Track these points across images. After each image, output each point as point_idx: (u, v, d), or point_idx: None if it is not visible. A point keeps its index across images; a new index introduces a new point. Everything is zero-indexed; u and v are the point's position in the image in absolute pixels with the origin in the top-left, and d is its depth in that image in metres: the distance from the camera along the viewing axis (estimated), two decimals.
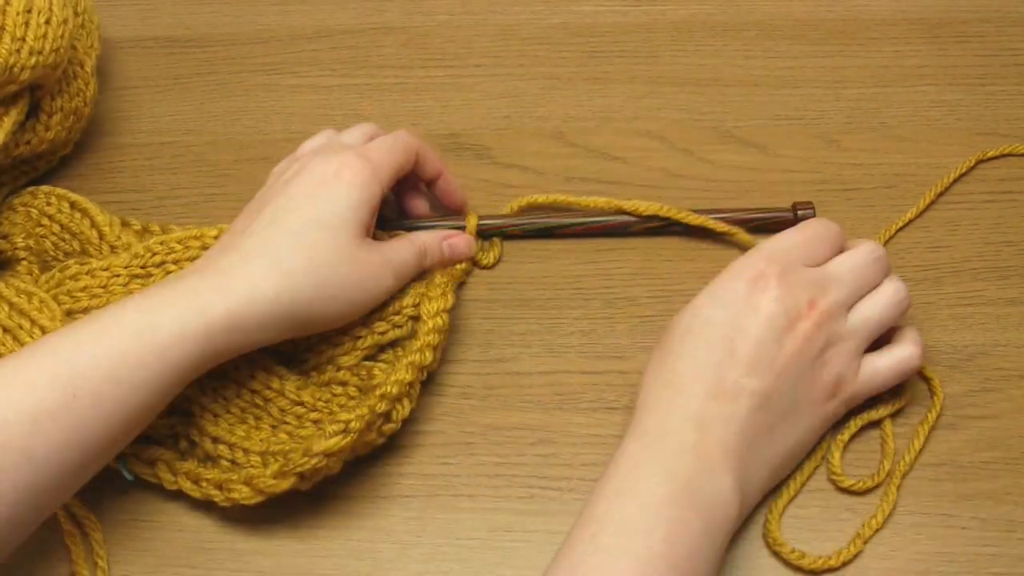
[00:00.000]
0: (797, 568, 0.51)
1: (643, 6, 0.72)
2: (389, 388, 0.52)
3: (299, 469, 0.50)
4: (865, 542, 0.51)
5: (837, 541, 0.51)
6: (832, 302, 0.51)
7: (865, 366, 0.53)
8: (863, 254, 0.53)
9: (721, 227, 0.60)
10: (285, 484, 0.50)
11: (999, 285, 0.59)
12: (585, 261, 0.61)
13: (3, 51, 0.56)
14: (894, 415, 0.54)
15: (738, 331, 0.50)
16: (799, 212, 0.60)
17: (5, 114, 0.58)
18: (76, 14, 0.65)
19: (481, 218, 0.61)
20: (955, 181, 0.63)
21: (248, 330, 0.50)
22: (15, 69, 0.57)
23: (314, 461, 0.50)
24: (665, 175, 0.64)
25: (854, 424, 0.54)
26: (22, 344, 0.53)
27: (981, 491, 0.53)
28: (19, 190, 0.63)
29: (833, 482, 0.53)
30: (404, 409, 0.53)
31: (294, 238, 0.51)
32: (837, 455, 0.53)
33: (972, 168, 0.63)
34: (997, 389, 0.55)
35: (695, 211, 0.60)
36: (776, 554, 0.51)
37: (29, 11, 0.58)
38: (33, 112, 0.62)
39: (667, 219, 0.60)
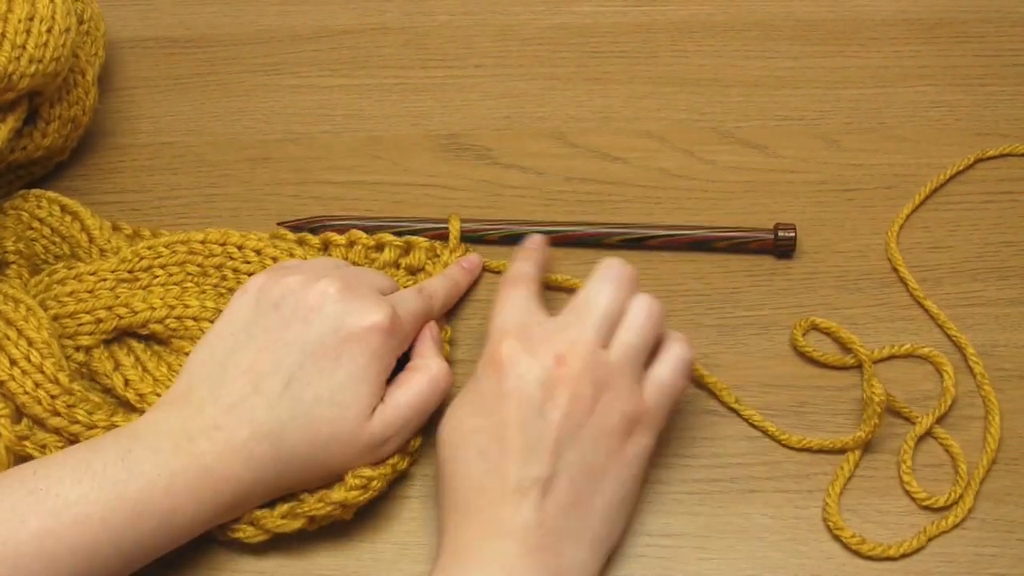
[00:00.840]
0: (856, 553, 0.51)
1: (643, 6, 0.72)
2: (413, 443, 0.52)
3: (311, 513, 0.50)
4: (930, 539, 0.51)
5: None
6: (582, 348, 0.48)
7: (648, 387, 0.50)
8: (598, 280, 0.51)
9: None
10: (295, 525, 0.51)
11: (999, 285, 0.59)
12: (586, 262, 0.61)
13: (3, 59, 0.56)
14: (940, 419, 0.55)
15: (502, 425, 0.47)
16: (780, 233, 0.60)
17: (2, 121, 0.58)
18: (81, 22, 0.65)
19: (463, 221, 0.61)
20: (952, 178, 0.63)
21: (249, 505, 0.50)
22: (14, 77, 0.57)
23: (328, 509, 0.50)
24: (665, 175, 0.64)
25: (911, 439, 0.54)
26: (9, 355, 0.53)
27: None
28: (12, 194, 0.62)
29: (912, 497, 0.52)
30: (417, 439, 0.53)
31: (302, 417, 0.48)
32: (910, 477, 0.53)
33: (971, 166, 0.63)
34: (997, 389, 0.55)
35: (684, 226, 0.61)
36: (837, 538, 0.51)
37: (31, 19, 0.58)
38: (31, 119, 0.61)
39: (645, 235, 0.60)
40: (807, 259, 0.60)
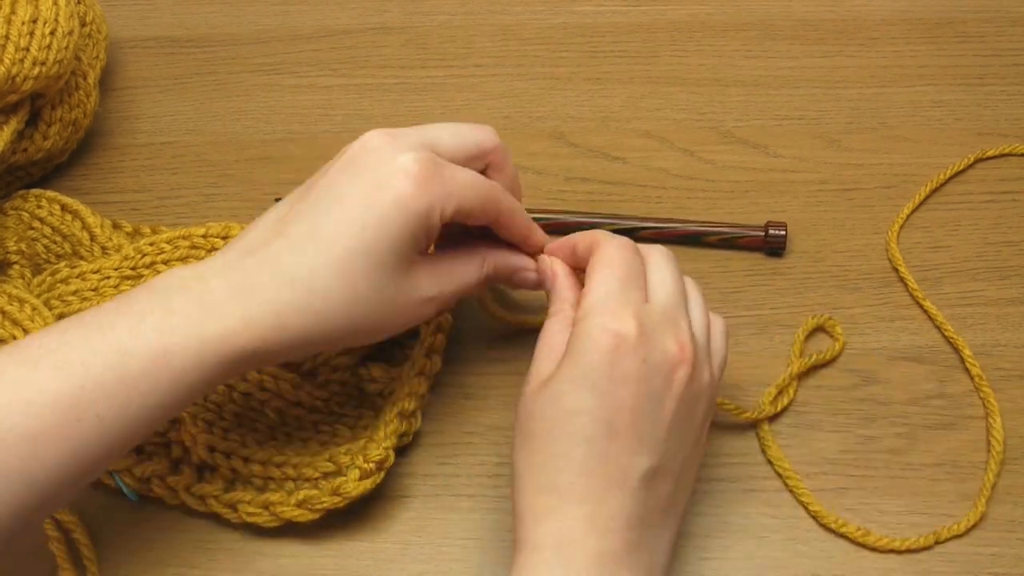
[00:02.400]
0: (862, 545, 0.51)
1: (643, 6, 0.72)
2: (406, 404, 0.52)
3: (328, 506, 0.50)
4: (938, 542, 0.51)
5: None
6: (688, 330, 0.46)
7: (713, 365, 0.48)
8: (668, 261, 0.48)
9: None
10: (310, 516, 0.51)
11: (999, 285, 0.59)
12: None
13: (6, 61, 0.56)
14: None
15: (614, 411, 0.43)
16: (771, 231, 0.60)
17: (5, 123, 0.58)
18: (83, 25, 0.65)
19: None
20: (951, 178, 0.63)
21: (267, 359, 0.46)
22: (18, 79, 0.57)
23: (344, 503, 0.50)
24: (665, 175, 0.64)
25: None
26: None
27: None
28: (12, 195, 0.63)
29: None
30: (418, 421, 0.54)
31: (333, 267, 0.45)
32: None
33: (971, 166, 0.63)
34: (997, 389, 0.55)
35: (676, 219, 0.61)
36: (842, 535, 0.51)
37: (35, 21, 0.58)
38: (32, 121, 0.61)
39: (636, 227, 0.60)
40: (807, 259, 0.60)
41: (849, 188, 0.63)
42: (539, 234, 0.52)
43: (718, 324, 0.49)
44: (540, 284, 0.51)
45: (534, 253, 0.52)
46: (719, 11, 0.72)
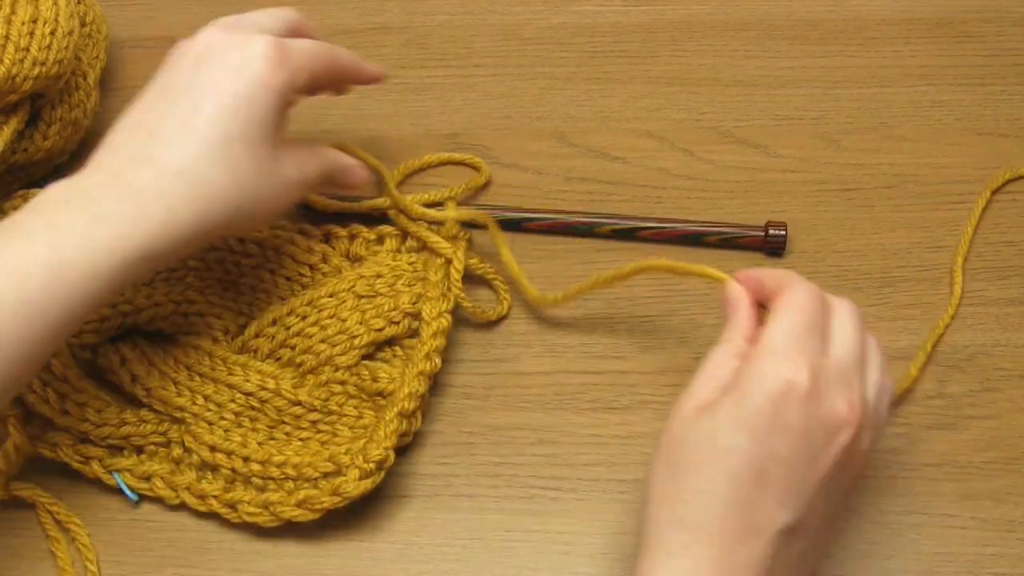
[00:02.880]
0: None
1: (643, 6, 0.72)
2: (406, 404, 0.52)
3: (328, 506, 0.50)
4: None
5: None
6: (863, 392, 0.44)
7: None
8: (853, 317, 0.46)
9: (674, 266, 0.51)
10: (310, 516, 0.51)
11: (999, 285, 0.59)
12: (585, 261, 0.61)
13: (6, 61, 0.56)
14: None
15: (768, 459, 0.42)
16: (771, 231, 0.60)
17: (5, 123, 0.58)
18: (83, 24, 0.65)
19: (458, 204, 0.61)
20: (994, 193, 0.62)
21: (162, 258, 0.47)
22: (17, 79, 0.57)
23: (344, 503, 0.50)
24: (665, 175, 0.64)
25: None
26: None
27: (981, 491, 0.53)
28: (12, 195, 0.62)
29: None
30: (418, 421, 0.54)
31: (215, 154, 0.47)
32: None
33: (1003, 186, 0.63)
34: (997, 389, 0.55)
35: (676, 219, 0.61)
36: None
37: (35, 21, 0.58)
38: (32, 121, 0.61)
39: (636, 226, 0.60)
40: (806, 259, 0.60)
41: (849, 188, 0.63)
42: (371, 66, 0.56)
43: (887, 391, 0.47)
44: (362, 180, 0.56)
45: (372, 78, 0.57)
46: (719, 11, 0.72)
